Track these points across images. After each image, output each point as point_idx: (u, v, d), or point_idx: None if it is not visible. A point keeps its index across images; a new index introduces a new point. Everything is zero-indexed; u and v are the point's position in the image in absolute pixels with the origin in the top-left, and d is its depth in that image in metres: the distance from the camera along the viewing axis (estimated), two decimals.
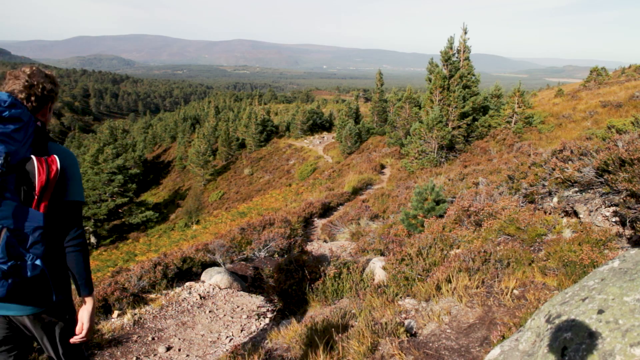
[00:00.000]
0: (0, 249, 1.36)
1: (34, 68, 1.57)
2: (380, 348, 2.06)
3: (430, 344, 2.07)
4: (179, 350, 3.03)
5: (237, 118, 44.06)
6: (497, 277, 2.57)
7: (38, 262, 1.45)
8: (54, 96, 1.62)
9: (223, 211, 21.00)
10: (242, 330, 3.35)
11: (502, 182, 5.36)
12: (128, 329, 3.33)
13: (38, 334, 1.60)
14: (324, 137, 33.87)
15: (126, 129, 55.86)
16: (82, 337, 1.59)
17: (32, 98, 1.54)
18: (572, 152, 3.79)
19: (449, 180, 9.24)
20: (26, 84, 1.53)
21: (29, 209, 1.43)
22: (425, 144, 14.59)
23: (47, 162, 1.46)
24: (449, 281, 2.62)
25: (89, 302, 1.61)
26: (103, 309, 3.56)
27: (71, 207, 1.55)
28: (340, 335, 2.23)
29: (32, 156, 1.43)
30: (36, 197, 1.44)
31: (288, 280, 3.53)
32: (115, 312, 3.57)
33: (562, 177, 3.43)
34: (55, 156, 1.49)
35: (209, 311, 3.70)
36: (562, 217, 3.25)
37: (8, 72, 1.57)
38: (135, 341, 3.15)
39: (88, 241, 24.45)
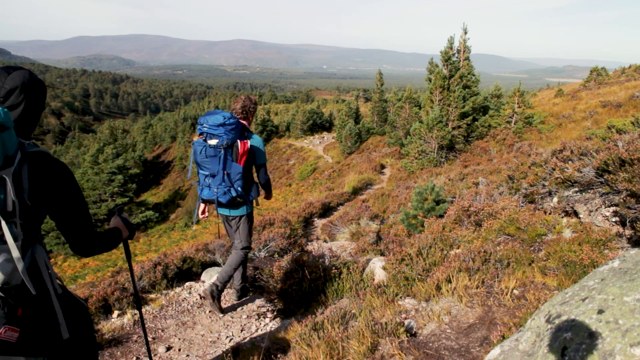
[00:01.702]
0: (226, 181, 2.96)
1: (246, 96, 3.21)
2: (380, 348, 2.06)
3: (430, 344, 2.07)
4: (179, 350, 3.03)
5: None
6: (497, 277, 2.57)
7: (239, 189, 3.01)
8: (254, 111, 3.21)
9: None
10: (242, 330, 3.35)
11: (502, 182, 5.36)
12: (128, 329, 3.33)
13: (236, 226, 3.28)
14: (324, 137, 33.85)
15: (126, 129, 55.79)
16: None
17: (244, 113, 3.15)
18: (572, 152, 3.79)
19: (449, 180, 9.24)
20: (242, 104, 3.15)
21: (236, 164, 2.95)
22: (425, 144, 14.59)
23: (244, 143, 2.94)
24: (449, 281, 2.62)
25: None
26: (103, 309, 3.56)
27: (260, 166, 3.16)
28: (340, 335, 2.23)
29: (238, 140, 2.92)
30: (239, 159, 2.95)
31: (288, 280, 3.52)
32: (115, 312, 3.57)
33: (562, 177, 3.43)
34: (248, 141, 2.98)
35: (209, 311, 3.70)
36: (562, 217, 3.25)
37: (235, 98, 3.24)
38: (135, 341, 3.15)
39: None
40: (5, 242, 1.16)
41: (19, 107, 1.32)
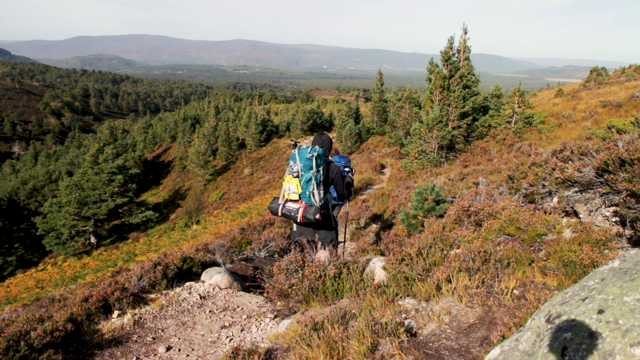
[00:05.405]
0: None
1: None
2: (380, 348, 2.06)
3: (430, 344, 2.07)
4: (179, 350, 3.03)
5: (237, 118, 44.02)
6: (497, 277, 2.57)
7: None
8: None
9: (223, 211, 20.99)
10: (242, 330, 3.35)
11: (502, 182, 5.36)
12: (128, 329, 3.33)
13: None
14: None
15: (126, 129, 55.79)
16: None
17: None
18: (572, 152, 3.79)
19: (449, 180, 9.24)
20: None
21: None
22: (425, 144, 14.58)
23: None
24: (449, 281, 2.62)
25: None
26: (103, 309, 3.56)
27: None
28: (340, 335, 2.23)
29: None
30: None
31: (288, 280, 3.52)
32: (115, 312, 3.57)
33: (562, 177, 3.43)
34: None
35: (209, 311, 3.70)
36: (562, 217, 3.25)
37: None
38: (135, 341, 3.15)
39: (88, 241, 24.18)
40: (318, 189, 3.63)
41: (324, 146, 3.70)
